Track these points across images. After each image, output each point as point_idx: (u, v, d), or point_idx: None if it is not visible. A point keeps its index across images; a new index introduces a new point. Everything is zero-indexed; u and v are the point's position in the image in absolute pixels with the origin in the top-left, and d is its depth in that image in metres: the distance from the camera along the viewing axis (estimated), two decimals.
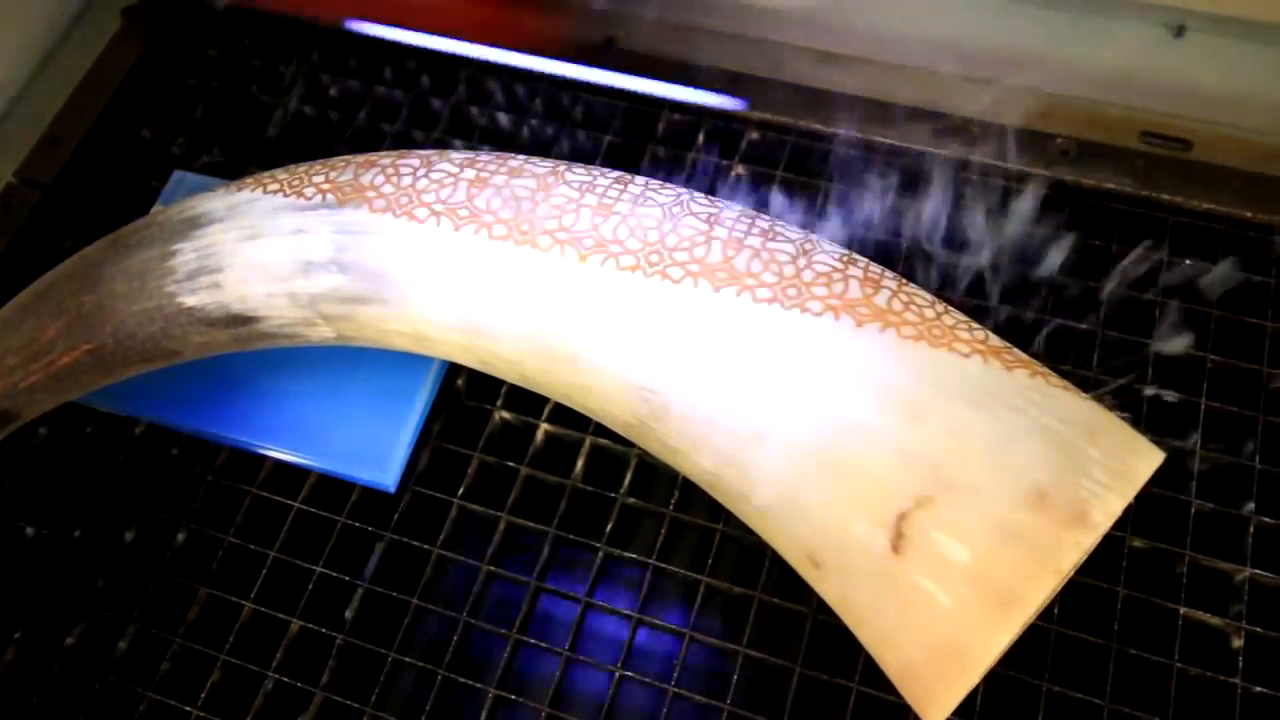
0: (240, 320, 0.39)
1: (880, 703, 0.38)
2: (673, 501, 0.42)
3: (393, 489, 0.43)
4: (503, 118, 0.52)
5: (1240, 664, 0.38)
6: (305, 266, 0.37)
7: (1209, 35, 0.52)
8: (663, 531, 0.42)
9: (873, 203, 0.47)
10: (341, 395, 0.45)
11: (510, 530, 0.43)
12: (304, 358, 0.45)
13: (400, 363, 0.45)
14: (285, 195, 0.38)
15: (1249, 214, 0.46)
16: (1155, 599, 0.39)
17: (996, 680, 0.37)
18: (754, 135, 0.50)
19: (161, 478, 0.45)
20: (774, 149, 0.50)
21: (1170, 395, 0.42)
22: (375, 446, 0.44)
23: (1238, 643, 0.38)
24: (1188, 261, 0.45)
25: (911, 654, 0.31)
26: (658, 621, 0.40)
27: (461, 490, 0.43)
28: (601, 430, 0.43)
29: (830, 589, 0.33)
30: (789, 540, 0.34)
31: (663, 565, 0.41)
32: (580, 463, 0.43)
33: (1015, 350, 0.33)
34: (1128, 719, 0.37)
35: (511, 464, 0.44)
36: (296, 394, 0.45)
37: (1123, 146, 0.48)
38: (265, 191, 0.38)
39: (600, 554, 0.41)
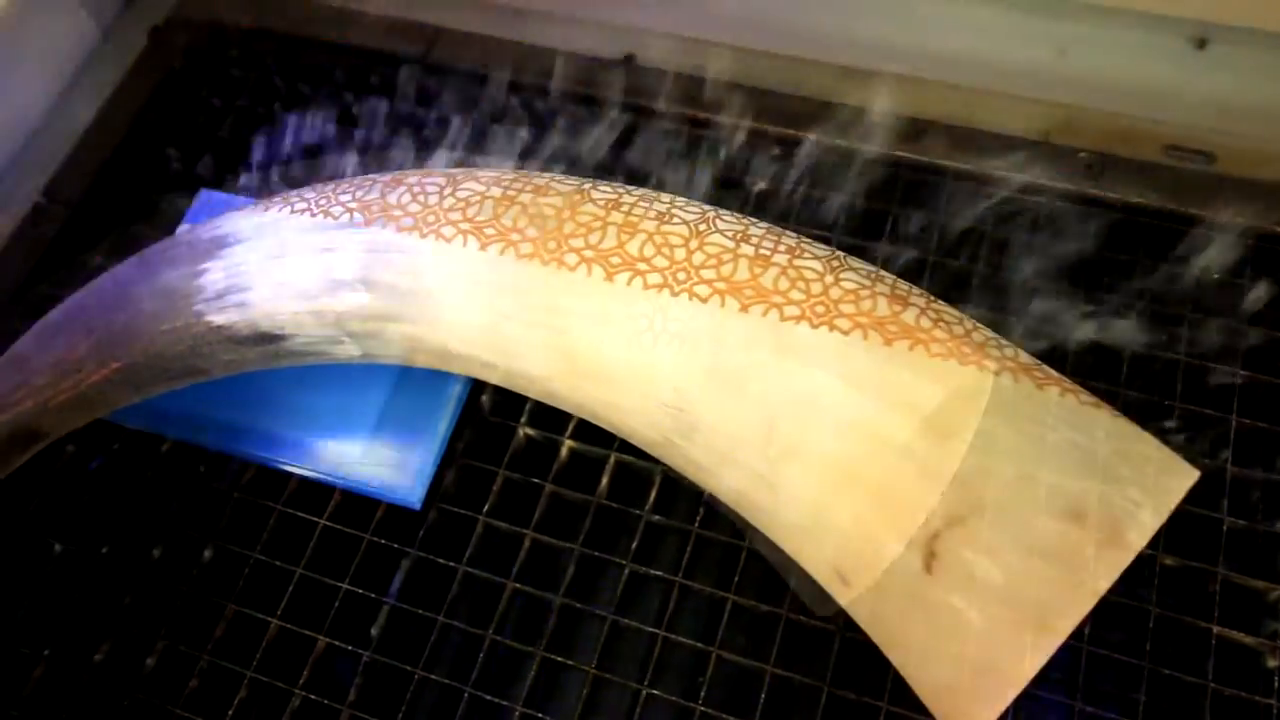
0: (268, 338, 0.39)
1: None
2: (698, 518, 0.42)
3: (418, 506, 0.43)
4: (523, 134, 0.52)
5: (1275, 684, 0.37)
6: (332, 285, 0.37)
7: (1231, 47, 0.51)
8: (688, 548, 0.42)
9: (894, 215, 0.47)
10: (367, 413, 0.45)
11: (535, 547, 0.43)
12: (330, 376, 0.45)
13: (425, 380, 0.45)
14: (313, 214, 0.38)
15: (1276, 227, 0.46)
16: (1187, 618, 0.38)
17: (1029, 700, 0.37)
18: (774, 150, 0.50)
19: (188, 495, 0.45)
20: (796, 163, 0.50)
21: (1203, 412, 0.42)
22: (400, 464, 0.44)
23: (1273, 662, 0.38)
24: (1215, 275, 0.45)
25: (943, 674, 0.31)
26: (684, 640, 0.40)
27: (486, 507, 0.43)
28: (626, 447, 0.43)
29: (860, 607, 0.33)
30: (817, 558, 0.34)
31: (688, 583, 0.41)
32: (605, 479, 0.43)
33: (1045, 367, 0.33)
34: None
35: (536, 481, 0.44)
36: (322, 411, 0.45)
37: (1147, 160, 0.48)
38: (293, 210, 0.39)
39: (626, 571, 0.41)
